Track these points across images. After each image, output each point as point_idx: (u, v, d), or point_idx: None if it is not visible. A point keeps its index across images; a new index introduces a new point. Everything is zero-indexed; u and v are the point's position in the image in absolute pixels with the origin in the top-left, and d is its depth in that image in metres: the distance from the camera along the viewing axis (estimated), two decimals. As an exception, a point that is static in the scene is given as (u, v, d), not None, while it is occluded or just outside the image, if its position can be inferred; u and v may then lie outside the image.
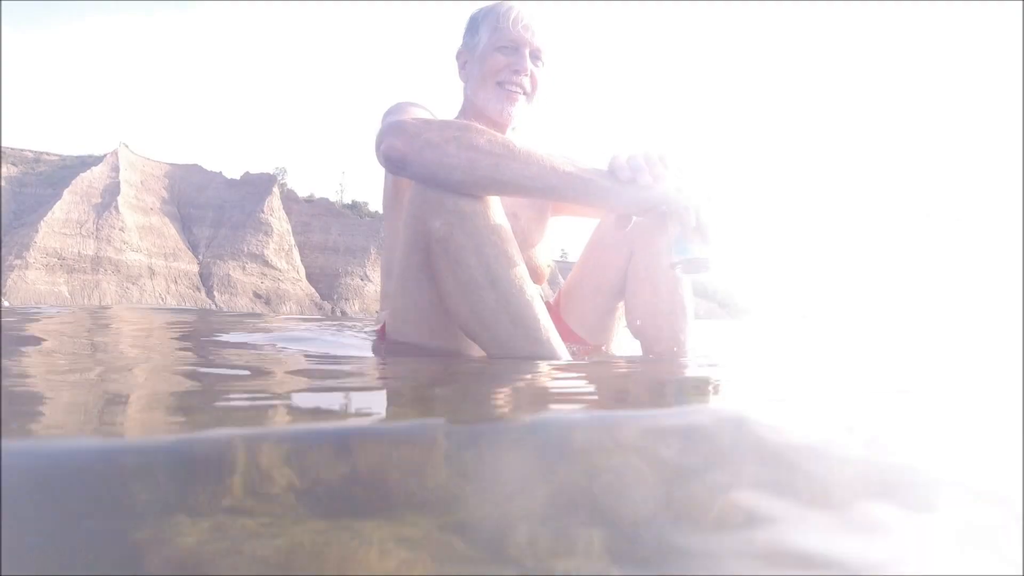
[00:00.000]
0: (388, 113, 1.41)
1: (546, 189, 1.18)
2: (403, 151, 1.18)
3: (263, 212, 47.11)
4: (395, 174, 1.40)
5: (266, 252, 45.84)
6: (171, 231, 45.04)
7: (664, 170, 1.20)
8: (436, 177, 1.17)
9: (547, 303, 1.65)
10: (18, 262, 36.98)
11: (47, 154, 48.09)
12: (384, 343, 1.46)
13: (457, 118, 1.70)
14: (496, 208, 1.21)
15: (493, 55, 1.58)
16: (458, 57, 1.71)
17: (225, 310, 39.62)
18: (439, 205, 1.16)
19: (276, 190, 49.61)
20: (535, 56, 1.60)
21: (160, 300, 40.53)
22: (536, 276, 1.66)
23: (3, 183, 42.22)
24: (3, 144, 46.42)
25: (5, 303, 35.06)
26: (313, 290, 47.56)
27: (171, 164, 49.87)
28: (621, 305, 1.59)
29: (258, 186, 49.36)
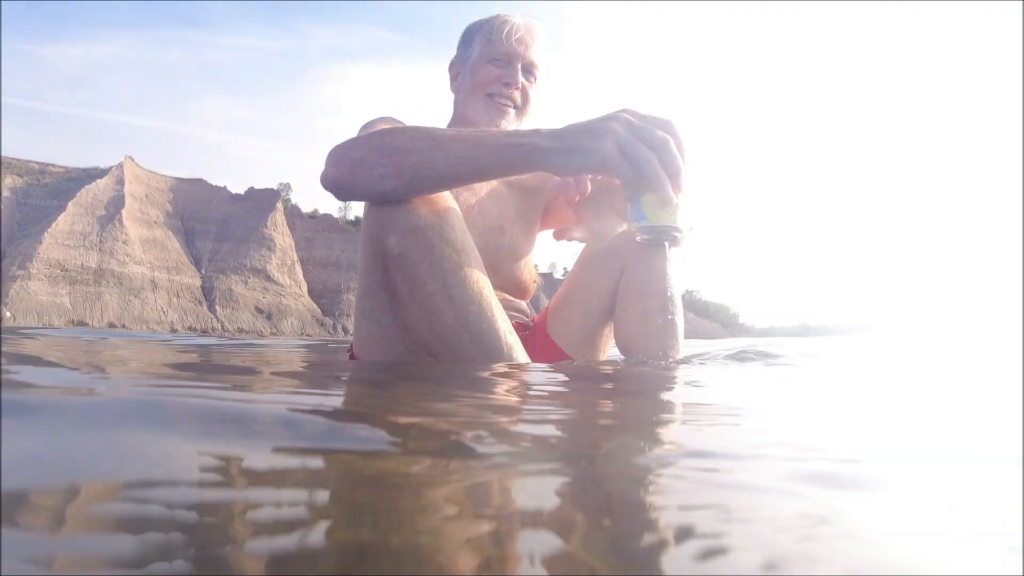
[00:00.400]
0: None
1: (479, 170, 1.11)
2: (335, 177, 1.15)
3: (266, 227, 47.29)
4: (341, 200, 1.36)
5: (268, 267, 45.93)
6: (174, 244, 45.19)
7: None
8: (372, 193, 1.13)
9: (532, 318, 1.66)
10: (21, 273, 36.94)
11: (53, 166, 48.44)
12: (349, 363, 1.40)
13: None
14: (453, 220, 1.16)
15: (485, 66, 1.57)
16: (451, 68, 1.69)
17: (226, 333, 39.13)
18: (392, 221, 1.12)
19: (280, 205, 49.91)
20: (527, 71, 1.58)
21: (162, 313, 40.52)
22: (522, 291, 1.66)
23: (7, 193, 42.37)
24: (9, 155, 47.02)
25: (7, 313, 35.52)
26: (315, 306, 47.50)
27: (176, 178, 50.30)
28: (611, 323, 1.54)
29: (262, 201, 49.59)
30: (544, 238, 1.74)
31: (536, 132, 1.08)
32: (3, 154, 46.34)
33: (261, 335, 39.85)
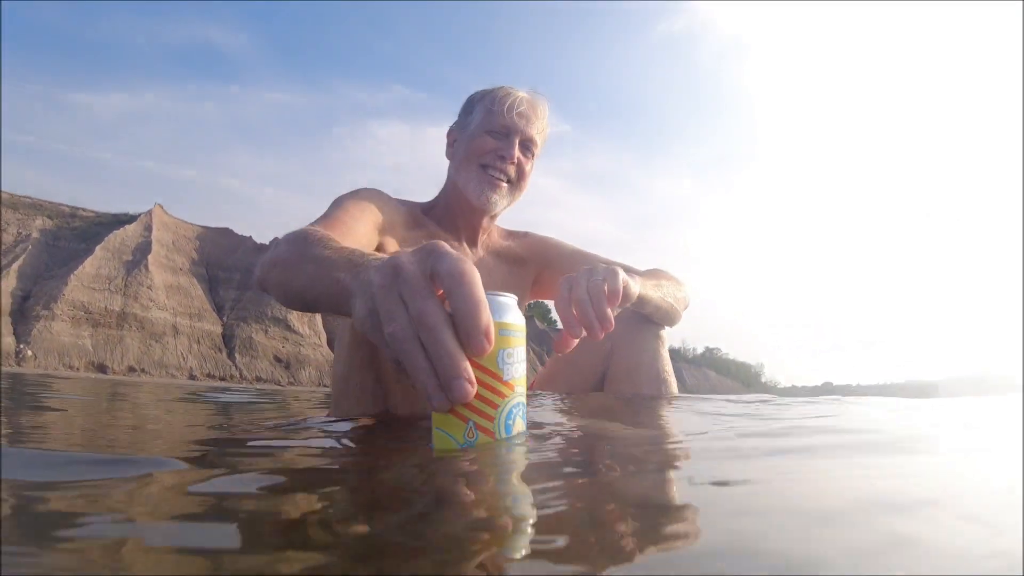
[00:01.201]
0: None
1: (314, 303, 0.93)
2: (257, 276, 1.12)
3: (290, 277, 47.02)
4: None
5: (289, 316, 46.01)
6: (198, 291, 45.43)
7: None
8: (279, 300, 1.06)
9: None
10: (45, 313, 37.05)
11: (83, 210, 49.28)
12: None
13: (436, 199, 1.67)
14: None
15: (482, 137, 1.53)
16: (449, 134, 1.66)
17: (244, 381, 39.20)
18: None
19: (304, 256, 49.62)
20: (525, 147, 1.55)
21: (182, 359, 40.47)
22: None
23: (36, 234, 42.91)
24: (41, 197, 47.94)
25: (28, 352, 35.57)
26: (333, 356, 46.71)
27: (203, 227, 51.05)
28: None
29: (286, 252, 49.49)
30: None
31: (366, 267, 0.74)
32: (36, 196, 47.66)
33: (279, 384, 39.63)
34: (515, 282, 1.66)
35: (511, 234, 1.79)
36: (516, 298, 0.71)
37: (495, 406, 0.64)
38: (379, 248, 1.42)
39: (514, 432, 0.67)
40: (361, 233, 1.33)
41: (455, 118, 1.68)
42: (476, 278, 0.62)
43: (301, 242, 0.98)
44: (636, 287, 1.21)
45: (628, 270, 1.31)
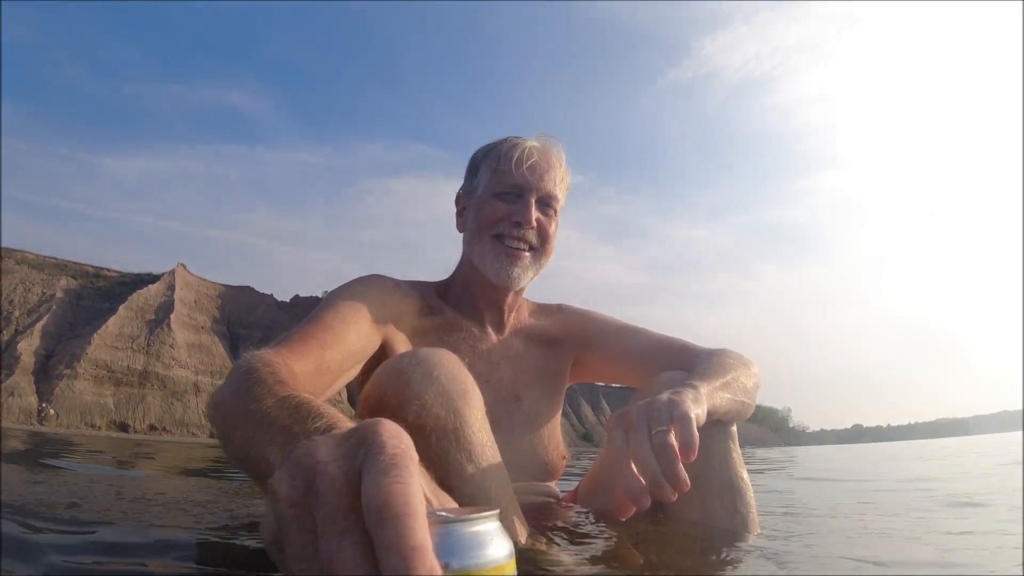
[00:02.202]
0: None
1: (250, 474, 0.74)
2: (206, 410, 0.91)
3: (311, 334, 47.37)
4: None
5: (310, 374, 46.01)
6: (219, 349, 45.71)
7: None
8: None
9: (564, 495, 1.44)
10: (68, 372, 37.11)
11: (107, 270, 50.05)
12: None
13: (451, 277, 1.51)
14: (471, 417, 0.92)
15: (491, 202, 1.35)
16: (456, 202, 1.48)
17: None
18: (392, 418, 0.70)
19: (325, 313, 50.19)
20: (545, 203, 1.37)
21: (202, 418, 40.17)
22: (547, 471, 1.41)
23: (60, 294, 43.34)
24: (66, 257, 48.87)
25: (51, 411, 35.54)
26: (353, 412, 46.41)
27: (225, 285, 51.72)
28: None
29: (307, 309, 48.49)
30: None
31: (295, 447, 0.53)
32: (61, 257, 48.53)
33: None
34: (551, 367, 1.47)
35: (542, 309, 1.58)
36: (497, 518, 0.49)
37: None
38: (385, 345, 1.27)
39: None
40: (353, 339, 1.17)
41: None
42: (411, 505, 0.43)
43: (244, 391, 0.80)
44: (703, 407, 1.02)
45: (691, 364, 1.23)
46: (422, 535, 0.42)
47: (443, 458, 0.88)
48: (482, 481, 0.91)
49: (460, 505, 0.66)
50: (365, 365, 1.25)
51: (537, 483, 1.38)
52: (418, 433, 0.85)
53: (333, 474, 0.46)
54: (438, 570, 0.41)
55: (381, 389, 0.92)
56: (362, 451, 0.47)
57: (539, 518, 1.22)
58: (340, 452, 0.48)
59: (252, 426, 0.72)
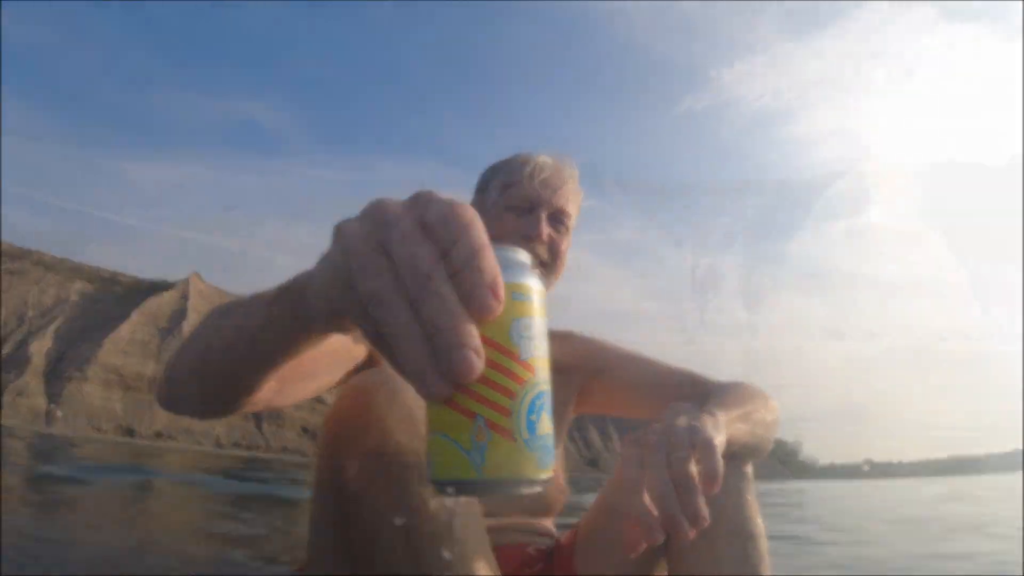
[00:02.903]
0: None
1: (250, 352, 0.70)
2: (160, 385, 0.85)
3: (321, 346, 47.96)
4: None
5: (319, 386, 46.39)
6: (229, 358, 45.69)
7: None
8: (194, 392, 0.81)
9: (557, 540, 1.32)
10: (78, 375, 37.21)
11: (123, 275, 50.27)
12: None
13: None
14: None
15: (502, 216, 1.32)
16: None
17: (270, 451, 39.68)
18: (352, 439, 0.80)
19: (336, 325, 50.81)
20: (556, 219, 1.33)
21: (209, 427, 40.53)
22: (543, 507, 1.33)
23: (75, 297, 43.60)
24: (83, 261, 49.15)
25: (58, 413, 35.69)
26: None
27: (238, 295, 51.56)
28: (663, 561, 1.13)
29: (318, 321, 50.41)
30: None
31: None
32: (78, 260, 48.64)
33: (304, 455, 39.31)
34: (555, 396, 1.24)
35: (551, 336, 1.34)
36: (530, 256, 0.53)
37: (511, 394, 0.45)
38: (374, 357, 1.20)
39: (539, 433, 0.47)
40: (334, 337, 1.00)
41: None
42: (477, 221, 0.46)
43: (208, 315, 0.79)
44: (723, 436, 0.94)
45: (705, 396, 1.13)
46: (488, 241, 0.45)
47: (404, 490, 0.79)
48: (447, 518, 0.83)
49: (420, 550, 0.75)
50: (350, 378, 1.17)
51: (531, 520, 1.31)
52: (378, 460, 0.78)
53: (400, 210, 0.46)
54: (499, 273, 0.44)
55: (344, 411, 0.84)
56: (421, 202, 0.47)
57: (519, 566, 1.16)
58: (403, 202, 0.48)
59: (241, 310, 0.71)
